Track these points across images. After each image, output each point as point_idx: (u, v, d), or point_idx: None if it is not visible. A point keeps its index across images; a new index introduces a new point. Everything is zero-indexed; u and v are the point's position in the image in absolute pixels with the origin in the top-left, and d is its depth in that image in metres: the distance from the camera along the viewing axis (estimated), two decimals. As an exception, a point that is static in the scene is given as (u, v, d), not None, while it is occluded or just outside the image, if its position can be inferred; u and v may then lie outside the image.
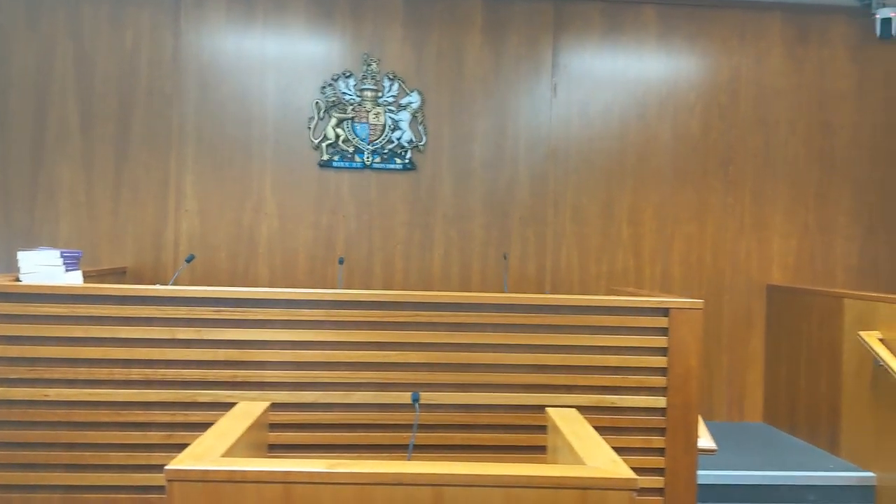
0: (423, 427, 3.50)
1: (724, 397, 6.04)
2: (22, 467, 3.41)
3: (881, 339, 4.65)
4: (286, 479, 2.29)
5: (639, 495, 3.67)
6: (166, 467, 2.22)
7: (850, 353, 4.97)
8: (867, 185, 6.03)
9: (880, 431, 4.67)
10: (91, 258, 5.54)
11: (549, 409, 3.30)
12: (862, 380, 4.84)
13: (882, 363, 4.52)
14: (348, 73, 5.80)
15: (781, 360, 5.81)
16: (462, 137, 5.88)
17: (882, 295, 4.83)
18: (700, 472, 4.64)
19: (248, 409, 3.08)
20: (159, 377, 3.44)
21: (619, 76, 5.98)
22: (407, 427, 3.50)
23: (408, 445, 3.46)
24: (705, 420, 6.05)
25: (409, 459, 3.09)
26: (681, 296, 5.96)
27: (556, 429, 3.03)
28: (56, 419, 3.42)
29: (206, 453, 2.43)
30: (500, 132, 5.91)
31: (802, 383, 5.53)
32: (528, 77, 5.92)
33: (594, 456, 2.58)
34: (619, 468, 2.43)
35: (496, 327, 3.58)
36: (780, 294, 5.86)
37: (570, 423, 3.04)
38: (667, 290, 5.96)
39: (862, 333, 4.73)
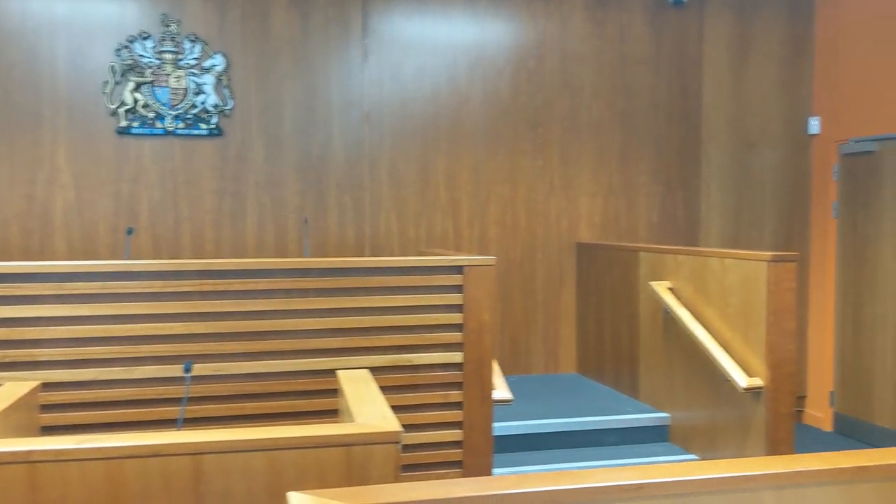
0: (214, 399, 3.41)
1: (541, 351, 6.29)
2: None
3: (670, 288, 4.97)
4: (28, 459, 2.16)
5: (440, 449, 3.78)
6: None
7: (645, 303, 5.28)
8: (665, 146, 6.39)
9: (671, 374, 5.01)
10: None
11: (339, 372, 3.31)
12: (655, 327, 5.17)
13: (669, 311, 4.83)
14: (146, 35, 5.49)
15: (590, 314, 6.11)
16: (271, 101, 5.73)
17: (670, 247, 5.14)
18: (506, 424, 4.84)
19: (11, 391, 2.89)
20: (-85, 363, 3.16)
21: (428, 40, 6.00)
22: (198, 400, 3.40)
23: (197, 419, 3.36)
24: (523, 374, 6.32)
25: (178, 430, 2.99)
26: (494, 256, 6.15)
27: (342, 391, 3.03)
28: None
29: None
30: (312, 96, 5.80)
31: (607, 334, 5.84)
32: (338, 40, 5.83)
33: (366, 413, 2.60)
34: (385, 423, 2.46)
35: (288, 293, 3.52)
36: (587, 251, 6.14)
37: (355, 384, 3.05)
38: (484, 251, 6.10)
39: (652, 283, 5.04)
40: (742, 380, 4.13)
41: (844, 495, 1.97)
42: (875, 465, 1.99)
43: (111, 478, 2.18)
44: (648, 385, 5.30)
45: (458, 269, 3.74)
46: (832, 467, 1.97)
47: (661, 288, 4.97)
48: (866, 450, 2.09)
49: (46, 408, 3.18)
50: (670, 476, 1.91)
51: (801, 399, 6.52)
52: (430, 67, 6.01)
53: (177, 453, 2.24)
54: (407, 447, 3.60)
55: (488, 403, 3.80)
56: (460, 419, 3.76)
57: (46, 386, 3.19)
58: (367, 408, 2.66)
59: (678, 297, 4.88)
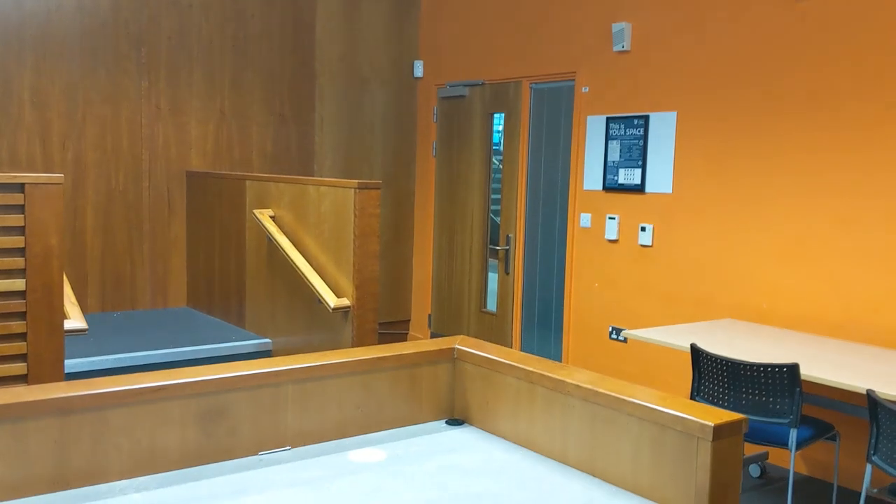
0: None
1: (148, 285, 6.01)
2: None
3: (272, 217, 5.03)
4: None
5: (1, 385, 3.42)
6: None
7: (251, 233, 5.29)
8: (279, 77, 6.38)
9: (274, 302, 5.10)
10: None
11: None
12: (260, 256, 5.21)
13: (271, 238, 4.89)
14: None
15: (201, 245, 5.97)
16: None
17: (273, 176, 5.19)
18: (101, 358, 4.57)
19: None
20: None
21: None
22: None
23: None
24: (129, 309, 5.99)
25: None
26: (97, 182, 5.70)
27: None
28: None
29: None
30: None
31: (217, 265, 5.76)
32: None
33: None
34: None
35: None
36: (197, 179, 5.96)
37: None
38: (82, 177, 5.61)
39: (255, 211, 5.06)
40: (332, 300, 4.34)
41: (361, 383, 2.16)
42: (388, 356, 2.20)
43: None
44: (254, 314, 5.35)
45: (19, 188, 3.37)
46: (350, 359, 2.14)
47: (264, 216, 5.01)
48: (383, 345, 2.30)
49: None
50: (189, 377, 1.92)
51: (405, 322, 7.08)
52: (10, -34, 5.28)
53: None
54: (-44, 385, 3.21)
55: (59, 334, 3.52)
56: (24, 352, 3.44)
57: None
58: None
59: (280, 225, 4.96)
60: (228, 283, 5.63)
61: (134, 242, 5.90)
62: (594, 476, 1.91)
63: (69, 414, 1.76)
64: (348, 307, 4.36)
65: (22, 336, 3.44)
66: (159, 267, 6.04)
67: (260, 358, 5.09)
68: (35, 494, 1.71)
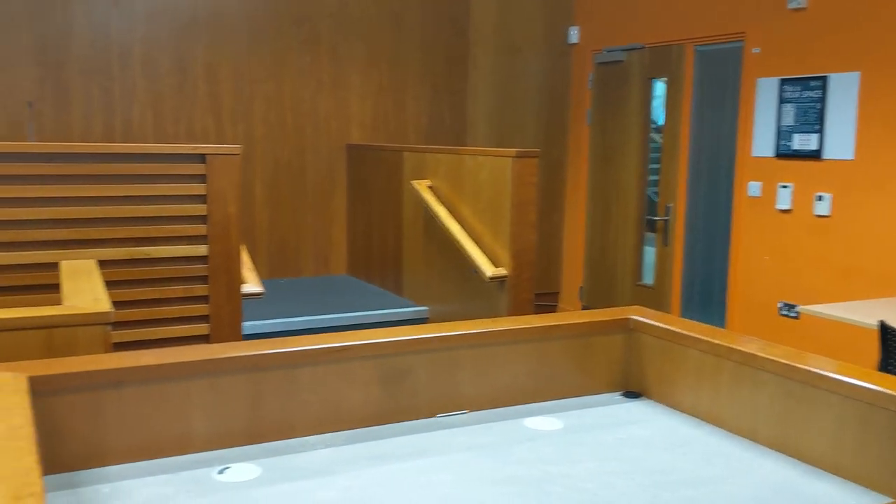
0: (-84, 294, 3.07)
1: (311, 254, 6.25)
2: None
3: (430, 187, 5.08)
4: None
5: (185, 344, 3.66)
6: None
7: (408, 203, 5.38)
8: (433, 49, 6.43)
9: (430, 270, 5.18)
10: None
11: (62, 263, 3.08)
12: (417, 226, 5.29)
13: (428, 208, 4.95)
14: None
15: (360, 215, 6.14)
16: (-1, -25, 5.08)
17: (430, 146, 5.24)
18: (269, 321, 4.81)
19: None
20: None
21: (185, -81, 5.55)
22: None
23: None
24: (293, 277, 6.26)
25: None
26: (264, 156, 5.97)
27: (61, 281, 2.82)
28: None
29: None
30: (48, -28, 5.20)
31: (375, 234, 5.91)
32: None
33: (79, 297, 2.44)
34: (94, 304, 2.32)
35: (9, 179, 3.20)
36: (357, 152, 6.12)
37: (76, 274, 2.86)
38: (250, 151, 5.89)
39: (414, 182, 5.13)
40: (488, 269, 4.34)
41: (535, 351, 2.13)
42: (562, 325, 2.16)
43: None
44: (411, 282, 5.46)
45: (201, 158, 3.57)
46: (523, 327, 2.12)
47: (422, 186, 5.07)
48: (556, 313, 2.26)
49: None
50: (373, 338, 1.96)
51: (554, 295, 7.01)
52: (186, -51, 5.58)
53: None
54: (149, 342, 3.47)
55: (237, 297, 3.73)
56: (206, 313, 3.66)
57: None
58: (82, 293, 2.50)
59: (437, 195, 5.01)
60: (386, 252, 5.76)
61: (298, 213, 6.14)
62: (787, 455, 1.80)
63: (262, 371, 1.84)
64: (504, 277, 4.36)
65: (204, 298, 3.67)
66: (321, 236, 6.27)
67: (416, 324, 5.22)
68: (234, 446, 1.80)
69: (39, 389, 1.61)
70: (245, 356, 1.82)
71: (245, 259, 3.88)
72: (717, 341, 1.98)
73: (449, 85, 6.49)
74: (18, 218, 3.23)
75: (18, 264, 3.23)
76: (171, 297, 3.56)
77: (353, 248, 6.29)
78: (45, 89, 5.25)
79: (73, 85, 5.33)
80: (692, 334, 2.05)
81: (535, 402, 2.13)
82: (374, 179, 5.86)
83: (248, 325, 4.66)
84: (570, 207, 6.85)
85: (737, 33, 5.22)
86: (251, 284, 3.86)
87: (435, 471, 1.70)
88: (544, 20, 6.69)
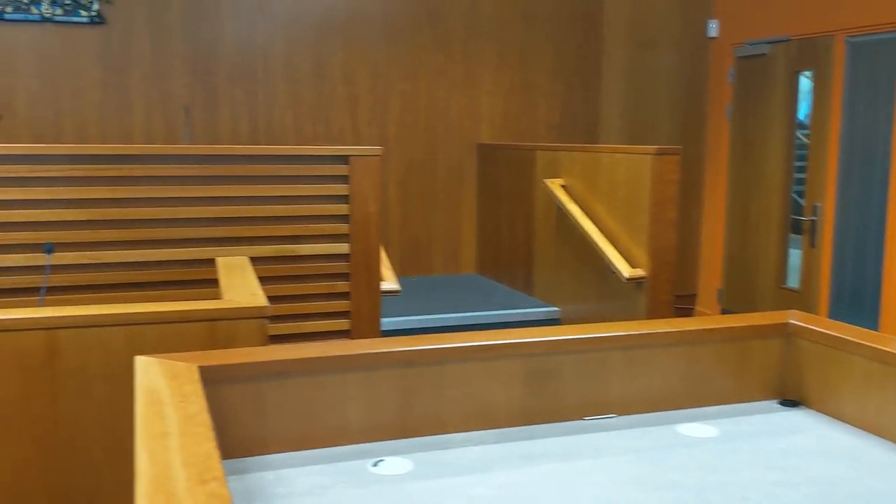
0: (88, 288, 3.30)
1: (441, 252, 6.33)
2: None
3: (563, 185, 5.03)
4: None
5: (327, 339, 3.79)
6: None
7: (540, 202, 5.34)
8: (566, 45, 6.36)
9: (562, 270, 5.13)
10: None
11: (217, 259, 3.25)
12: (549, 225, 5.25)
13: (561, 207, 4.90)
14: None
15: (490, 214, 6.16)
16: (156, -13, 5.42)
17: (564, 145, 5.19)
18: (401, 318, 4.90)
19: None
20: None
21: (325, -74, 5.74)
22: (71, 289, 3.29)
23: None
24: (423, 275, 6.36)
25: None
26: (398, 155, 6.09)
27: (218, 275, 2.98)
28: None
29: None
30: (200, -17, 5.51)
31: (505, 233, 5.91)
32: (227, -77, 5.51)
33: (236, 292, 2.56)
34: (253, 299, 2.43)
35: (164, 180, 3.40)
36: (487, 151, 6.14)
37: (231, 270, 3.01)
38: (386, 150, 6.00)
39: (546, 181, 5.09)
40: (625, 270, 4.26)
41: (687, 355, 2.06)
42: (715, 328, 2.08)
43: (-43, 354, 2.10)
44: (542, 281, 5.42)
45: (344, 159, 3.68)
46: (674, 330, 2.06)
47: (555, 185, 5.03)
48: (709, 317, 2.18)
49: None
50: (520, 338, 1.96)
51: (691, 297, 6.79)
52: (326, -44, 5.76)
53: (30, 328, 2.17)
54: (293, 336, 3.60)
55: (376, 294, 3.82)
56: (347, 309, 3.77)
57: None
58: (238, 288, 2.62)
59: (570, 194, 4.95)
60: (516, 252, 5.75)
61: (429, 212, 6.23)
62: (971, 475, 1.67)
63: (412, 366, 1.87)
64: (642, 278, 4.25)
65: (345, 295, 3.77)
66: (451, 235, 6.33)
67: (548, 325, 5.18)
68: (385, 439, 1.84)
69: (209, 378, 1.69)
70: (398, 351, 1.85)
71: (383, 257, 3.96)
72: (886, 348, 1.85)
73: (582, 82, 6.40)
74: (177, 217, 3.43)
75: (177, 260, 3.42)
76: (314, 294, 3.68)
77: (483, 246, 6.32)
78: (196, 95, 5.55)
79: (221, 90, 5.61)
80: (858, 340, 1.93)
81: (687, 408, 2.07)
82: (504, 178, 5.86)
83: (385, 322, 4.77)
84: (709, 206, 6.61)
85: (894, 22, 4.89)
86: (389, 282, 3.95)
87: (589, 473, 1.68)
88: (681, 14, 6.49)
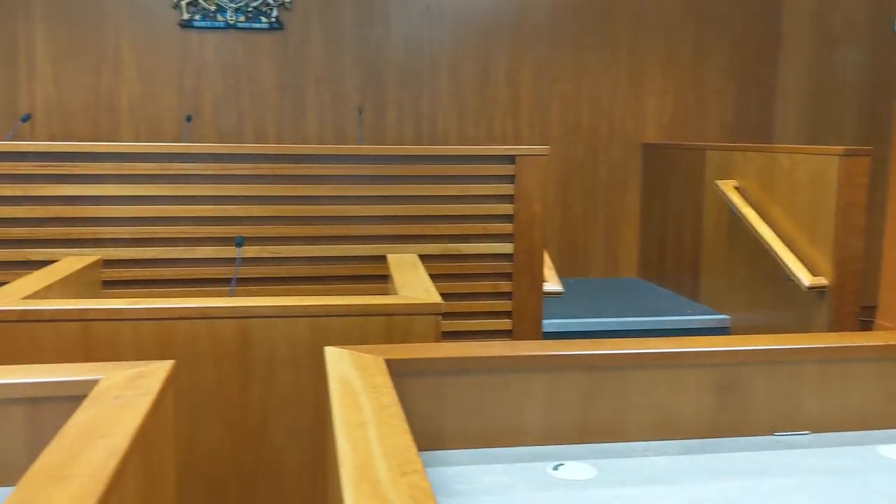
0: (269, 280, 3.49)
1: (601, 254, 6.21)
2: None
3: (736, 187, 4.81)
4: (83, 317, 2.25)
5: (489, 338, 3.80)
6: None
7: (710, 204, 5.13)
8: (741, 42, 6.07)
9: (733, 276, 4.89)
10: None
11: (389, 256, 3.34)
12: (719, 228, 5.03)
13: (735, 210, 4.68)
14: (205, -75, 5.44)
15: (654, 217, 5.98)
16: (331, -6, 5.65)
17: (738, 145, 4.95)
18: (561, 321, 4.85)
19: (71, 263, 3.01)
20: (-13, 238, 3.31)
21: (493, -72, 5.77)
22: (253, 281, 3.48)
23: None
24: (581, 277, 6.27)
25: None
26: (559, 156, 6.03)
27: (390, 271, 3.06)
28: None
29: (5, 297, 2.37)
30: (371, -12, 5.69)
31: (670, 236, 5.72)
32: (398, -71, 5.66)
33: (410, 288, 2.62)
34: (427, 296, 2.47)
35: (341, 179, 3.53)
36: (653, 151, 5.96)
37: (403, 267, 3.08)
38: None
39: (718, 182, 4.88)
40: (806, 278, 4.01)
41: (890, 371, 1.91)
42: (928, 343, 1.91)
43: (161, 338, 2.27)
44: (709, 287, 5.20)
45: (511, 159, 3.67)
46: (878, 343, 1.91)
47: (727, 187, 4.81)
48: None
49: (107, 284, 3.30)
50: (706, 346, 1.88)
51: (871, 310, 6.30)
52: (493, -42, 5.80)
53: (225, 316, 2.31)
54: (457, 334, 3.63)
55: (538, 295, 3.79)
56: (510, 309, 3.76)
57: (107, 263, 3.31)
58: (412, 285, 2.68)
59: (744, 196, 4.71)
60: (682, 256, 5.55)
61: (589, 213, 6.13)
62: None
63: (593, 370, 1.83)
64: (825, 287, 3.99)
65: (508, 295, 3.77)
66: (612, 237, 6.20)
67: (717, 333, 4.97)
68: (565, 443, 1.82)
69: (393, 371, 1.73)
70: (579, 354, 1.82)
71: (545, 258, 3.93)
72: None
73: (757, 80, 6.09)
74: (351, 214, 3.55)
75: (350, 256, 3.54)
76: (478, 292, 3.71)
77: (645, 250, 6.14)
78: (366, 97, 5.74)
79: (388, 93, 5.77)
80: None
81: (890, 429, 1.91)
82: (671, 179, 5.67)
83: (546, 323, 4.73)
84: (892, 216, 6.10)
85: None
86: (551, 283, 3.91)
87: (785, 492, 1.58)
88: (869, 9, 6.04)
